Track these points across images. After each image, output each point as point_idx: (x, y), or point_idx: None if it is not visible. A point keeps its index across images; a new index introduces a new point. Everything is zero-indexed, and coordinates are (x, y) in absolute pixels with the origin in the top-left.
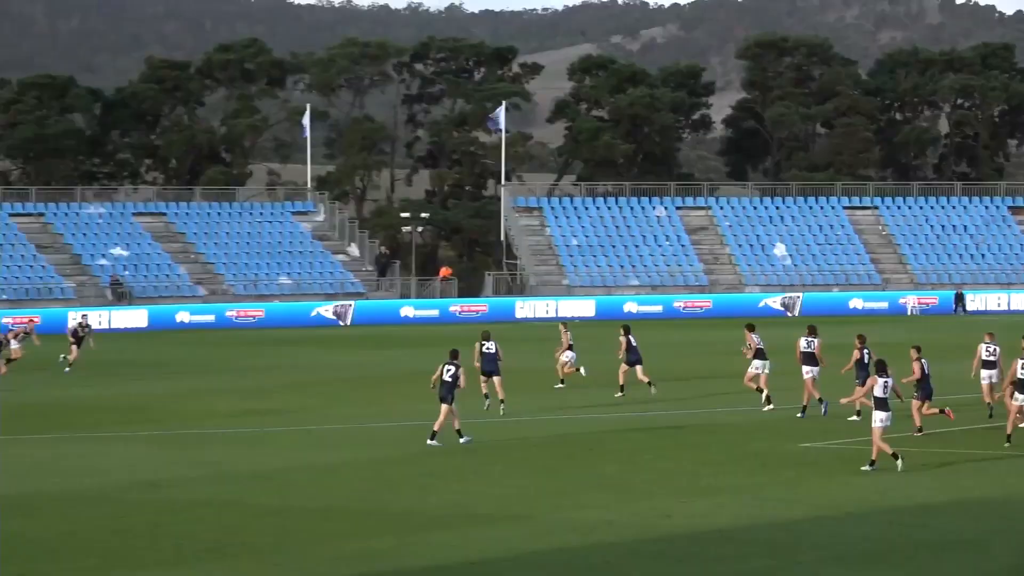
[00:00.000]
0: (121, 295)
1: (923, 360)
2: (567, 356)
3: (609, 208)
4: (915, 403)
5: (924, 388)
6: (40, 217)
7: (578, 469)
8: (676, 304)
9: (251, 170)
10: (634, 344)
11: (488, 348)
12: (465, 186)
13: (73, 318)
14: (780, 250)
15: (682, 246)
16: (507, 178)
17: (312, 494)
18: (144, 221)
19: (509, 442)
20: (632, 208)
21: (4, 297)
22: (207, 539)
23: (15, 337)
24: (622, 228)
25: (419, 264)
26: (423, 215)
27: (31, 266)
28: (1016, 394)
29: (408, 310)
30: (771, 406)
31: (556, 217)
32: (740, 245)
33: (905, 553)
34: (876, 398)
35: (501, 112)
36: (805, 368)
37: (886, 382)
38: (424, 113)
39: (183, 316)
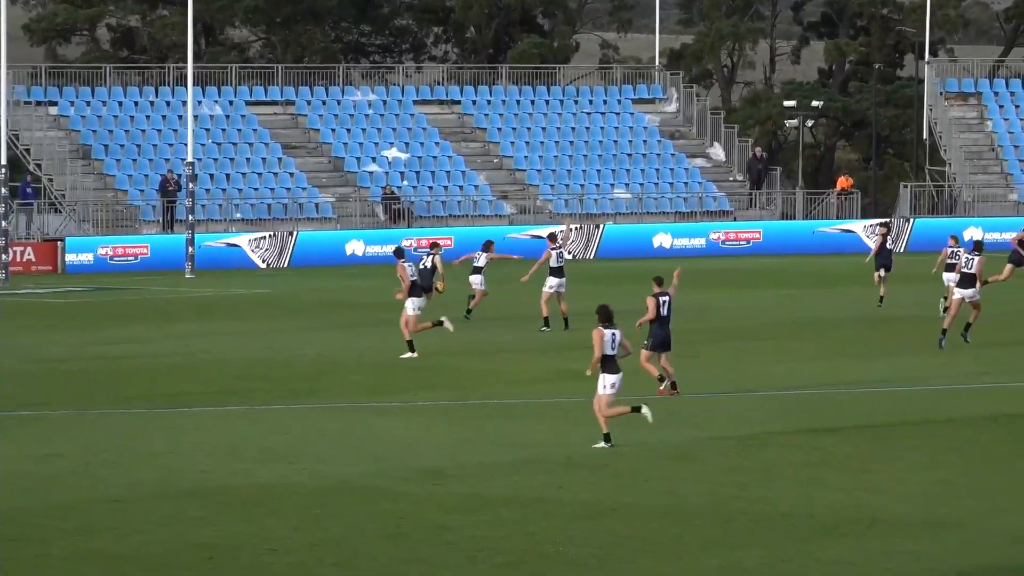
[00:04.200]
0: (397, 213)
1: None
2: None
3: None
4: None
5: None
6: (288, 107)
7: None
8: None
9: (577, 42)
10: (888, 247)
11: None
12: (874, 64)
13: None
14: None
15: None
16: (933, 52)
17: (654, 489)
18: (430, 112)
19: (930, 420)
20: None
21: (239, 216)
22: (508, 549)
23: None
24: None
25: (808, 172)
26: (814, 103)
27: (275, 173)
28: None
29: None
30: None
31: (1001, 107)
32: None
33: None
34: None
35: None
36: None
37: None
38: None
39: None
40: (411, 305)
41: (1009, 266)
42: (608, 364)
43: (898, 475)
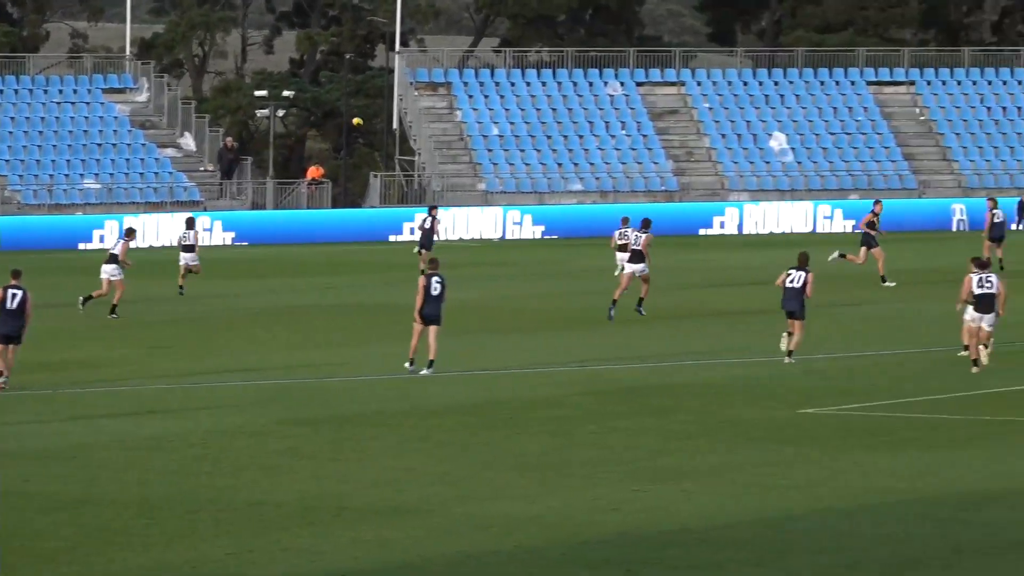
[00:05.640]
0: None
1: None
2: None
3: (544, 84)
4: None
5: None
6: None
7: (494, 446)
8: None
9: (47, 31)
10: (427, 227)
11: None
12: (345, 54)
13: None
14: (778, 142)
15: (644, 136)
16: (403, 43)
17: (123, 480)
18: None
19: (399, 410)
20: (576, 84)
21: None
22: None
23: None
24: (561, 112)
25: (279, 161)
26: (285, 93)
27: None
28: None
29: None
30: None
31: (470, 96)
32: (724, 135)
33: (942, 560)
34: None
35: None
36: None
37: None
38: None
39: None
40: None
41: (863, 249)
42: None
43: (365, 463)
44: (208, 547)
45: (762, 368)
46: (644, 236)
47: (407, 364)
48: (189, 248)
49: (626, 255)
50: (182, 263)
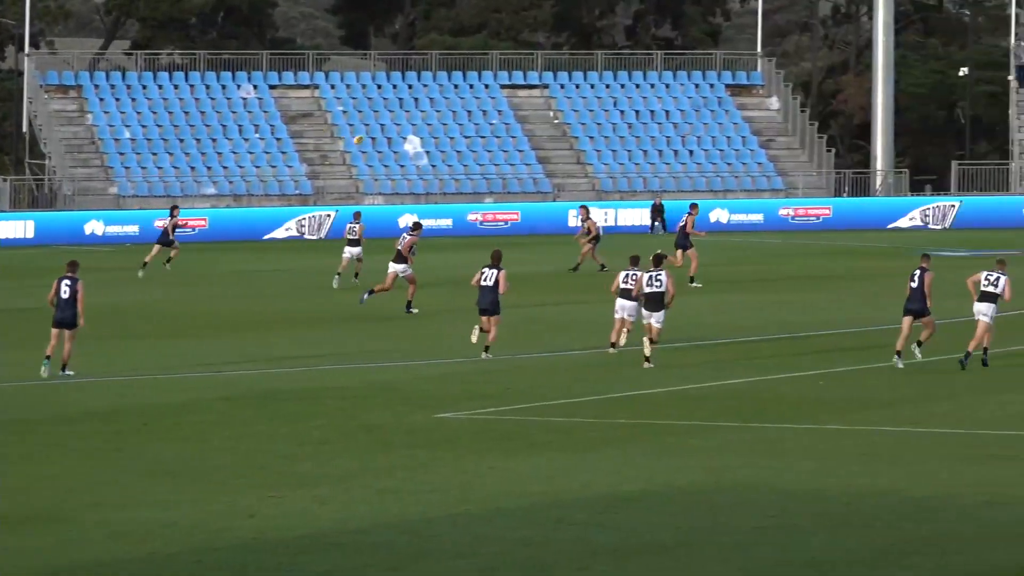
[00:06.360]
0: None
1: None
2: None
3: (176, 87)
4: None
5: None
6: None
7: (128, 453)
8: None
9: None
10: (167, 225)
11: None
12: None
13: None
14: (413, 145)
15: (277, 139)
16: (33, 44)
17: None
18: None
19: (32, 417)
20: (208, 87)
21: None
22: None
23: None
24: (194, 115)
25: None
26: None
27: None
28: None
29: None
30: None
31: (102, 99)
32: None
33: (577, 563)
34: None
35: None
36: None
37: None
38: None
39: None
40: None
41: (679, 251)
42: None
43: None
44: None
45: (399, 373)
46: (408, 238)
47: (43, 370)
48: None
49: (356, 250)
50: None
